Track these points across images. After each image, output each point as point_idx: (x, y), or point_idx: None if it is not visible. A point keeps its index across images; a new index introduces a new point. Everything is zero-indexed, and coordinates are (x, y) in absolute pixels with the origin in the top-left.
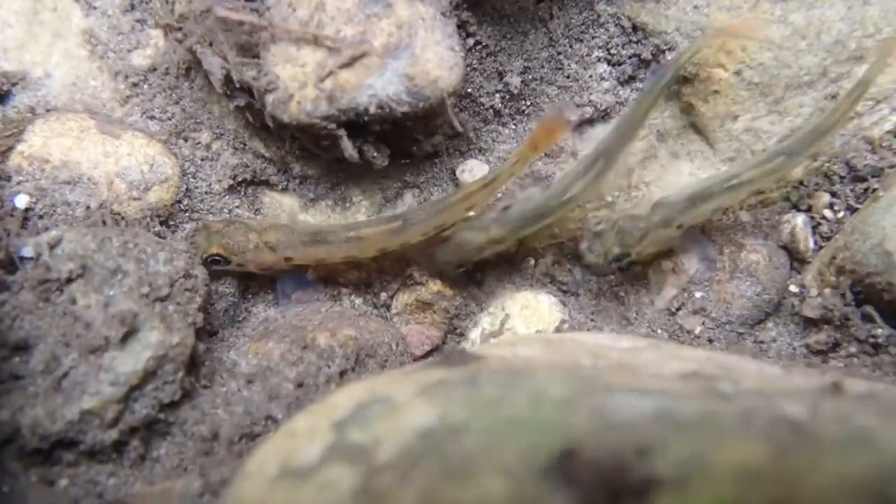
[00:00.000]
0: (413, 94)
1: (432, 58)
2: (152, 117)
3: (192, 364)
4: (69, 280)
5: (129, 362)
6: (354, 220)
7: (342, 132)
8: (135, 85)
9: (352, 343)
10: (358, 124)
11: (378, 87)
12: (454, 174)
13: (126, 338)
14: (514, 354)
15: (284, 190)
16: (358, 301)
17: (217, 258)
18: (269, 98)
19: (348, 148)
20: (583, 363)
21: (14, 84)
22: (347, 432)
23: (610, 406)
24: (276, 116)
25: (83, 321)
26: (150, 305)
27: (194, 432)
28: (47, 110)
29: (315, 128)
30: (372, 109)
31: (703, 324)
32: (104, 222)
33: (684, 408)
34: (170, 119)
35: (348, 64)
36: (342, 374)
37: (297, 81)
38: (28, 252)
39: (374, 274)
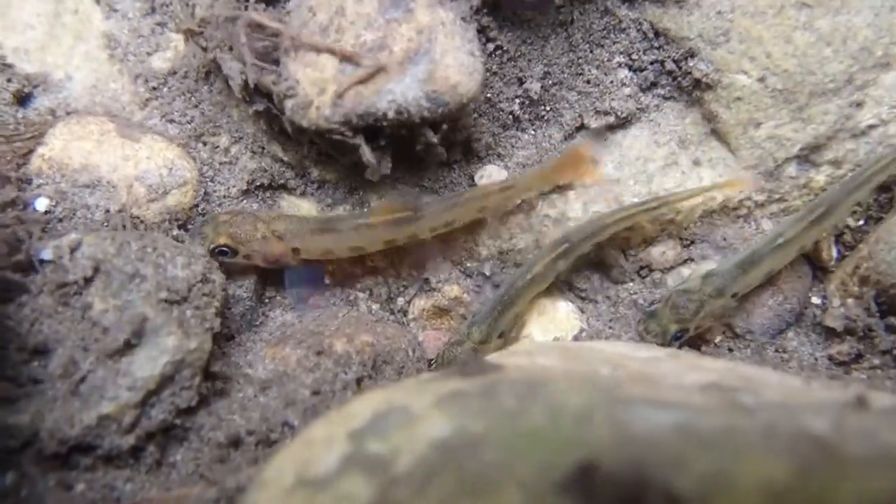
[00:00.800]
0: (432, 100)
1: (452, 63)
2: (171, 120)
3: (209, 369)
4: (88, 284)
5: (146, 367)
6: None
7: (360, 139)
8: (154, 88)
9: (369, 349)
10: (376, 129)
11: (397, 92)
12: (472, 180)
13: (143, 343)
14: (531, 363)
15: (302, 194)
16: (375, 307)
17: (224, 249)
18: (289, 103)
19: (367, 154)
20: (601, 372)
21: (35, 86)
22: (365, 442)
23: (629, 419)
24: (294, 121)
25: (101, 325)
26: (168, 310)
27: (210, 438)
28: (68, 113)
29: (333, 133)
30: (391, 115)
31: (723, 333)
32: (123, 226)
33: (705, 421)
34: (189, 122)
35: (366, 80)
36: (359, 381)
37: (317, 87)
38: (48, 255)
39: (391, 279)
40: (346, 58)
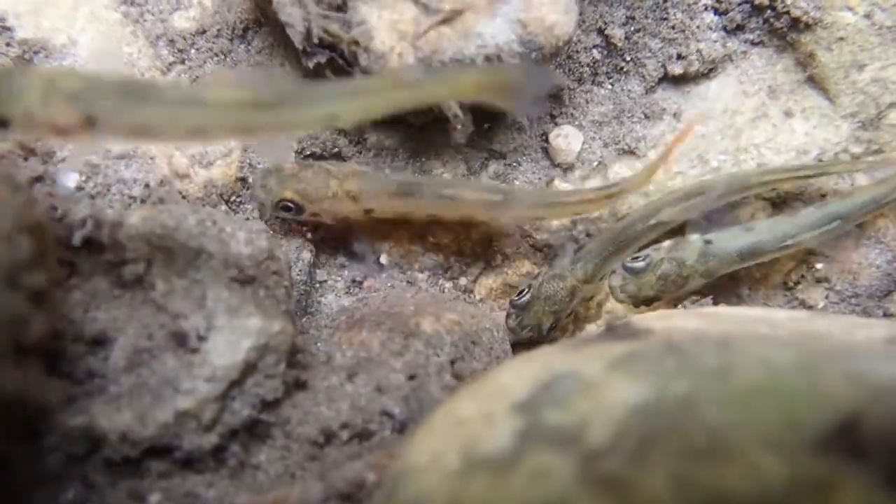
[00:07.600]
0: (526, 44)
1: (546, 0)
2: None
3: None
4: (148, 263)
5: (226, 354)
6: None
7: None
8: (180, 50)
9: (457, 328)
10: None
11: (487, 35)
12: (546, 140)
13: (219, 326)
14: (679, 326)
15: (357, 164)
16: (448, 285)
17: (289, 205)
18: (363, 52)
19: (454, 108)
20: (763, 332)
21: (36, 52)
22: (541, 414)
23: (863, 370)
24: (371, 72)
25: (168, 310)
26: (241, 290)
27: (299, 434)
28: None
29: None
30: (479, 62)
31: (826, 297)
32: (161, 200)
33: None
34: None
35: (451, 19)
36: (452, 363)
37: (397, 32)
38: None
39: (452, 256)
40: None
